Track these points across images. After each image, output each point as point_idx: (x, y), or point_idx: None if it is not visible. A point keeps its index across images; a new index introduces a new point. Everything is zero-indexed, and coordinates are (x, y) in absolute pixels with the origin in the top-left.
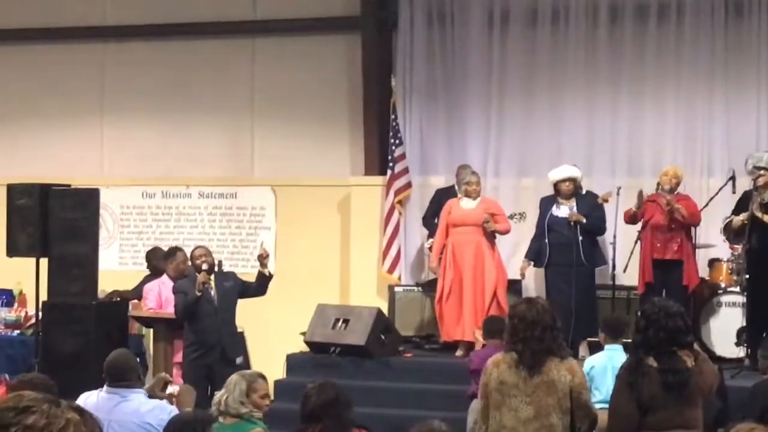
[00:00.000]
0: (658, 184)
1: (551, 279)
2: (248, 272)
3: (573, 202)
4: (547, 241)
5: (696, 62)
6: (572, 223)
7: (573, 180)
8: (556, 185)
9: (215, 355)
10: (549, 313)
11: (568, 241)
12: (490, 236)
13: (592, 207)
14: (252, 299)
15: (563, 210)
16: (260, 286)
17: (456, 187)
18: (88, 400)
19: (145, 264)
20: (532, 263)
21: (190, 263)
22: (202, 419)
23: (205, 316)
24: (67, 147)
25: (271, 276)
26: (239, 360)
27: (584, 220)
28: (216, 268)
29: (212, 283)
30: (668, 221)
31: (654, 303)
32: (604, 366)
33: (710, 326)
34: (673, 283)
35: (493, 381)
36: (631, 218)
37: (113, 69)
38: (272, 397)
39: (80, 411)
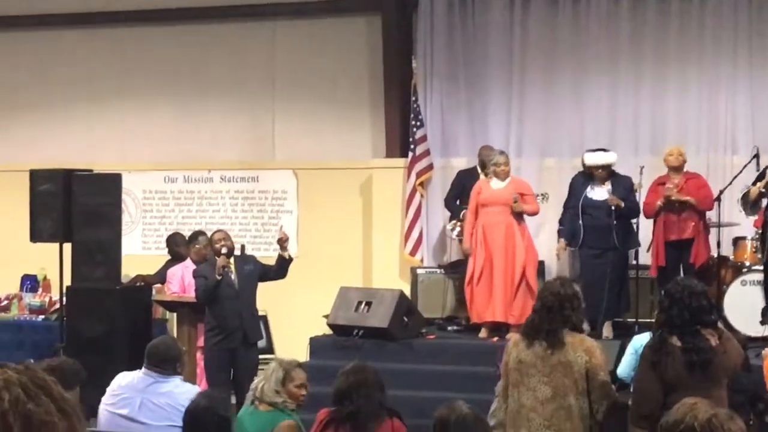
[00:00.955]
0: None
1: (585, 261)
2: (271, 255)
3: (609, 185)
4: (581, 222)
5: (719, 39)
6: (613, 207)
7: (608, 167)
8: (589, 167)
9: (237, 338)
10: (570, 289)
11: (604, 225)
12: (520, 216)
13: (628, 190)
14: (275, 283)
15: (598, 192)
16: (280, 269)
17: (478, 169)
18: (124, 378)
19: (167, 249)
20: (568, 245)
21: (209, 247)
22: (221, 404)
23: (226, 300)
24: (89, 132)
25: (291, 259)
26: (261, 343)
27: (623, 205)
28: (239, 252)
29: (233, 267)
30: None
31: (677, 282)
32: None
33: (735, 305)
34: (686, 262)
35: (512, 360)
36: (652, 213)
37: (134, 54)
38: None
39: (17, 369)
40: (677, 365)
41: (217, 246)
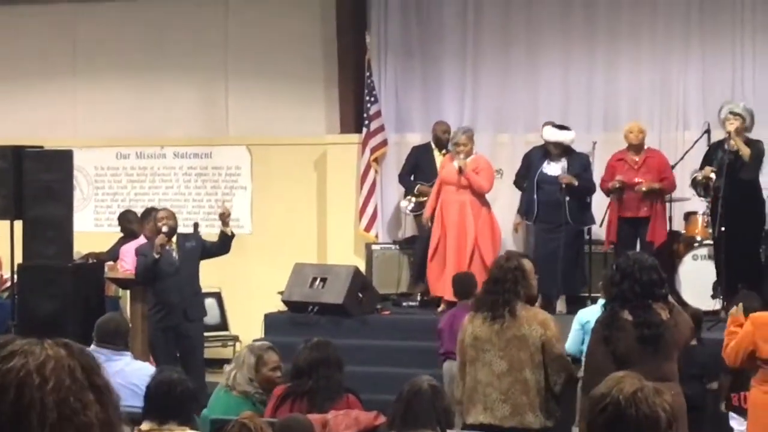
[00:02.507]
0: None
1: (538, 236)
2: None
3: (564, 162)
4: (535, 197)
5: (671, 15)
6: (563, 185)
7: (561, 145)
8: (546, 142)
9: (177, 315)
10: (517, 266)
11: (557, 201)
12: (480, 195)
13: (583, 167)
14: (229, 259)
15: (554, 168)
16: (223, 245)
17: (432, 144)
18: None
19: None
20: (525, 219)
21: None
22: (184, 381)
23: (166, 278)
24: (40, 108)
25: (233, 235)
26: (211, 320)
27: (576, 183)
28: (192, 230)
29: (174, 245)
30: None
31: (628, 256)
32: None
33: (687, 280)
34: (642, 239)
35: (468, 337)
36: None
37: (85, 29)
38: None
39: (67, 346)
40: (629, 340)
41: (159, 224)
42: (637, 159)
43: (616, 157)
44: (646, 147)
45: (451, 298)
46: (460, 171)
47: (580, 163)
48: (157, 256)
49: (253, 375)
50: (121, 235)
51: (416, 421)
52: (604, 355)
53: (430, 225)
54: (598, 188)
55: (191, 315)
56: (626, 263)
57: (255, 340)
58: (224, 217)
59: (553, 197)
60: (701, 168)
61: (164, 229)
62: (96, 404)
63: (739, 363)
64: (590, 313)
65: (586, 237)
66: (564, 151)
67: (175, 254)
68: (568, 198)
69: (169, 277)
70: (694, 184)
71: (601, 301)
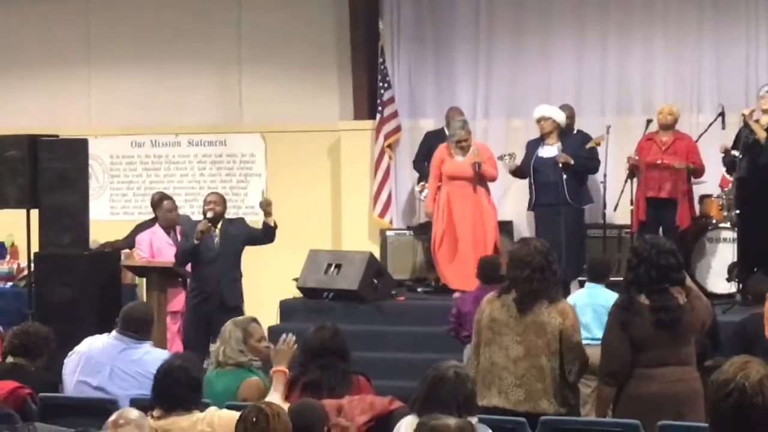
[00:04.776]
0: (648, 121)
1: (539, 219)
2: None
3: (559, 143)
4: (533, 181)
5: None
6: (560, 164)
7: (549, 119)
8: (536, 121)
9: (213, 302)
10: (541, 254)
11: (553, 181)
12: (484, 183)
13: (578, 146)
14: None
15: (548, 150)
16: (265, 235)
17: (445, 130)
18: (93, 343)
19: (136, 213)
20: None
21: (174, 211)
22: (194, 365)
23: (205, 264)
24: (55, 97)
25: (276, 225)
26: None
27: (572, 162)
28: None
29: (218, 231)
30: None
31: (645, 240)
32: (584, 305)
33: (702, 262)
34: (667, 222)
35: (485, 318)
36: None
37: (99, 18)
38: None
39: None
40: (646, 324)
41: (206, 208)
42: (665, 140)
43: (646, 137)
44: (676, 129)
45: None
46: (479, 167)
47: (575, 142)
48: (196, 242)
49: (243, 347)
50: (138, 222)
51: (438, 406)
52: (621, 339)
53: (431, 216)
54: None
55: (229, 301)
56: (643, 247)
57: (270, 327)
58: (265, 206)
59: (550, 179)
60: (733, 147)
61: (209, 214)
62: None
63: None
64: (577, 297)
65: (600, 221)
66: (559, 133)
67: (217, 240)
68: (565, 177)
69: (209, 264)
70: (724, 162)
71: (589, 285)
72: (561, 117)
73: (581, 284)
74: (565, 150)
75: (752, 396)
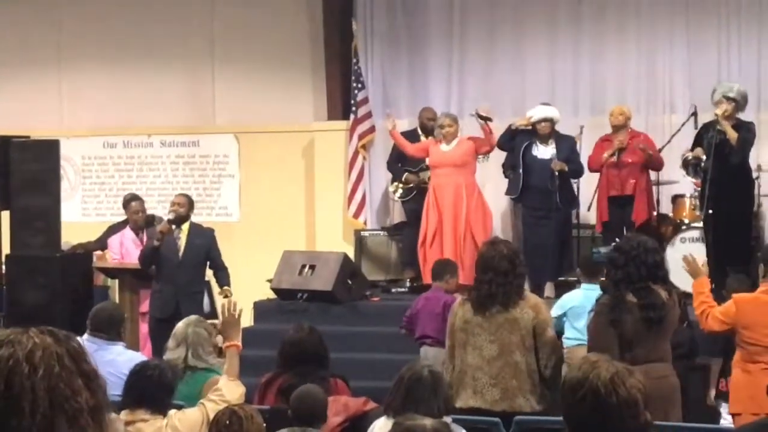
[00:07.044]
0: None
1: (527, 221)
2: (212, 221)
3: (552, 145)
4: (523, 180)
5: None
6: (556, 172)
7: (551, 121)
8: (533, 124)
9: (169, 309)
10: (507, 259)
11: (546, 187)
12: (472, 177)
13: (570, 150)
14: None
15: (542, 151)
16: (220, 279)
17: (419, 131)
18: None
19: (109, 214)
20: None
21: (141, 213)
22: (169, 369)
23: (167, 266)
24: (25, 98)
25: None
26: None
27: (566, 169)
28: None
29: (183, 237)
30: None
31: (629, 238)
32: (582, 305)
33: (675, 262)
34: (628, 219)
35: (458, 320)
36: (597, 167)
37: (71, 18)
38: (241, 345)
39: (53, 334)
40: (635, 322)
41: (169, 209)
42: (621, 139)
43: (602, 138)
44: (629, 129)
45: None
46: (483, 118)
47: (568, 146)
48: (156, 243)
49: (211, 348)
50: (110, 224)
51: (417, 407)
52: (611, 337)
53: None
54: (586, 171)
55: (183, 310)
56: (629, 245)
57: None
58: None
59: (544, 183)
60: (692, 149)
61: (171, 215)
62: (85, 390)
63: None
64: (573, 298)
65: (574, 221)
66: (551, 132)
67: (181, 245)
68: (558, 183)
69: (168, 269)
70: (685, 164)
71: (586, 286)
72: (558, 118)
73: (556, 285)
74: (559, 153)
75: (606, 396)
